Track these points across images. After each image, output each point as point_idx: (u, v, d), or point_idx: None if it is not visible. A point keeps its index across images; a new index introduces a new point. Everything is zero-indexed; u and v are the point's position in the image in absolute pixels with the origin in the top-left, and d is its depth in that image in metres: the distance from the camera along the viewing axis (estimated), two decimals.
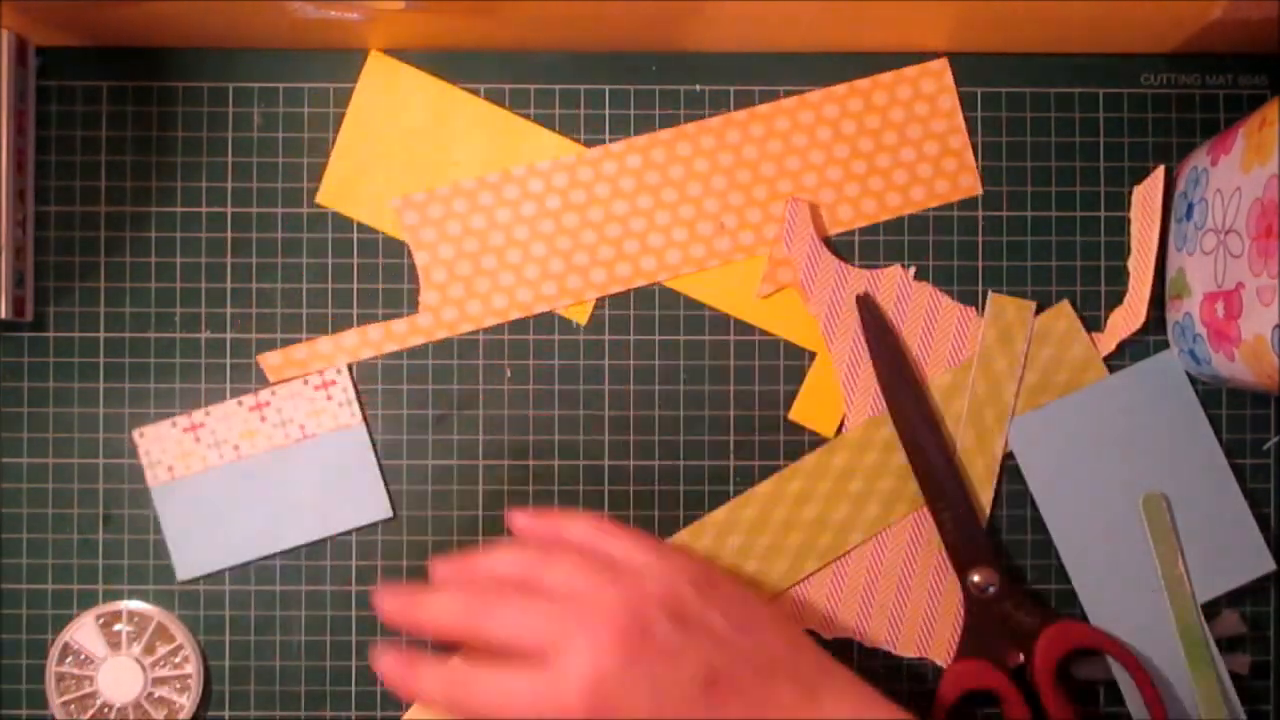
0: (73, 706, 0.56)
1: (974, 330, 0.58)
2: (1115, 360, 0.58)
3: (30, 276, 0.57)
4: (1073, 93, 0.59)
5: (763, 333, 0.58)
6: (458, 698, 0.46)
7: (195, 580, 0.57)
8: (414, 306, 0.58)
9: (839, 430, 0.58)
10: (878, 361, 0.57)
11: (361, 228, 0.58)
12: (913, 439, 0.56)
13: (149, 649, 0.57)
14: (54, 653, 0.56)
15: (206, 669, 0.57)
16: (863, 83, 0.58)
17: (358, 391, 0.57)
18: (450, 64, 0.58)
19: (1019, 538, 0.58)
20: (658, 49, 0.58)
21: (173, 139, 0.58)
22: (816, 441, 0.58)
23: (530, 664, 0.45)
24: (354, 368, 0.57)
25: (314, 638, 0.57)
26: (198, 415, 0.57)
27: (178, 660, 0.57)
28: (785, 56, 0.58)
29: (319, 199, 0.58)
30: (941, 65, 0.58)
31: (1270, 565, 0.57)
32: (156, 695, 0.57)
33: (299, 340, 0.57)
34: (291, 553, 0.57)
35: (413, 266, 0.58)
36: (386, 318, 0.58)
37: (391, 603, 0.48)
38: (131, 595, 0.57)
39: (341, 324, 0.58)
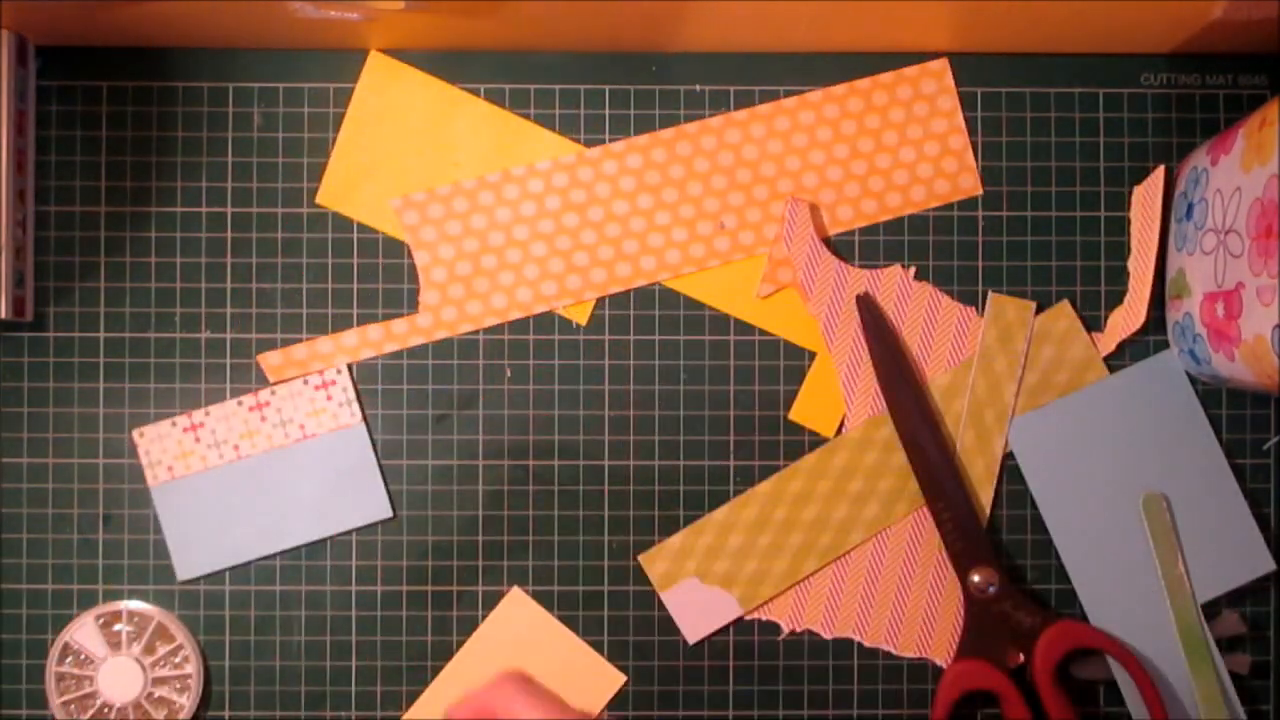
0: (73, 706, 0.56)
1: (974, 330, 0.58)
2: (1115, 360, 0.58)
3: (30, 276, 0.57)
4: (1073, 93, 0.59)
5: (763, 333, 0.58)
6: None
7: (195, 580, 0.57)
8: (414, 306, 0.58)
9: (839, 430, 0.58)
10: (878, 361, 0.57)
11: (361, 228, 0.58)
12: (913, 439, 0.56)
13: (149, 649, 0.57)
14: (54, 653, 0.56)
15: (206, 669, 0.57)
16: (863, 83, 0.58)
17: (358, 391, 0.57)
18: (450, 64, 0.58)
19: (1019, 538, 0.58)
20: (658, 49, 0.58)
21: (173, 139, 0.58)
22: (816, 441, 0.58)
23: None
24: (354, 368, 0.57)
25: (314, 638, 0.57)
26: (198, 415, 0.57)
27: (178, 660, 0.57)
28: (785, 56, 0.58)
29: (319, 199, 0.58)
30: (941, 65, 0.58)
31: (1270, 565, 0.57)
32: (156, 695, 0.57)
33: (299, 340, 0.57)
34: (291, 553, 0.57)
35: (413, 266, 0.58)
36: (386, 318, 0.58)
37: None
38: (131, 595, 0.57)
39: (341, 324, 0.58)
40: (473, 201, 0.58)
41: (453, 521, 0.57)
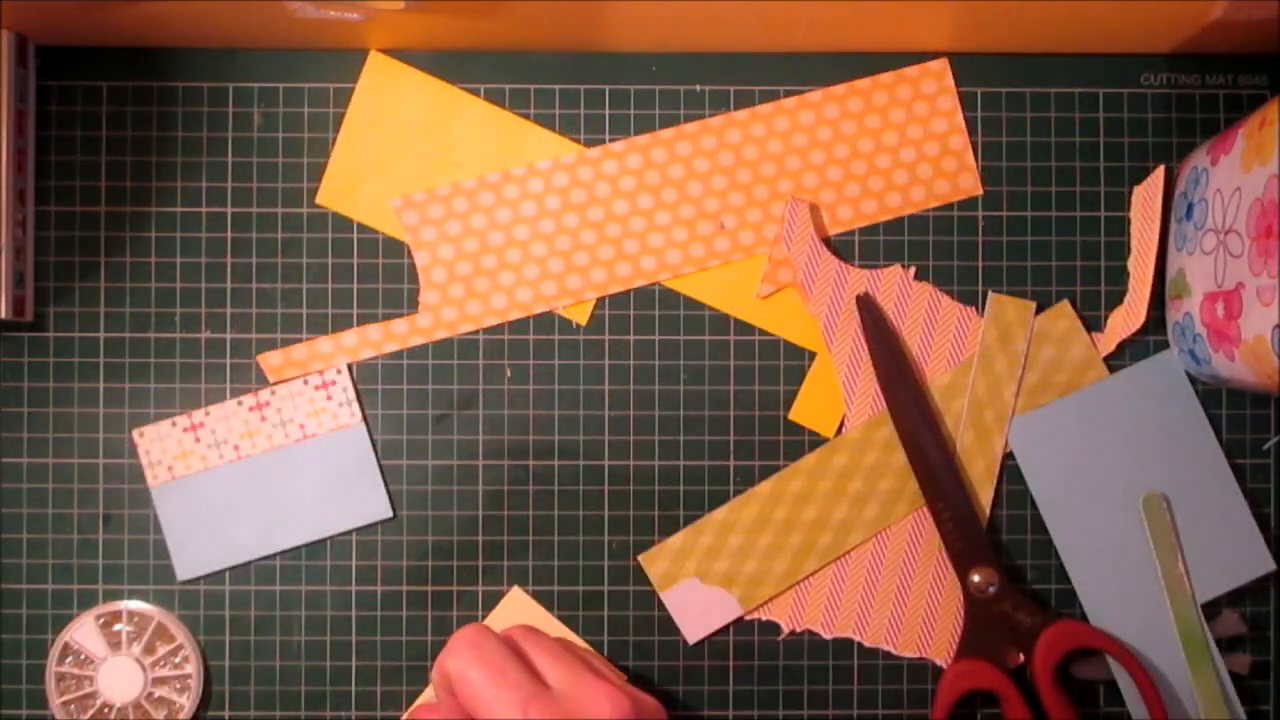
0: (73, 706, 0.56)
1: (974, 330, 0.58)
2: (1115, 360, 0.58)
3: (30, 276, 0.57)
4: (1073, 93, 0.59)
5: (763, 333, 0.58)
6: None
7: (195, 580, 0.57)
8: (414, 306, 0.58)
9: (839, 430, 0.58)
10: (878, 361, 0.57)
11: (361, 228, 0.58)
12: (913, 439, 0.56)
13: (149, 649, 0.57)
14: (54, 653, 0.56)
15: (206, 669, 0.57)
16: (863, 83, 0.58)
17: (358, 391, 0.57)
18: (450, 64, 0.58)
19: (1019, 538, 0.58)
20: (658, 49, 0.58)
21: (173, 139, 0.58)
22: (816, 441, 0.58)
23: None
24: (354, 368, 0.57)
25: (314, 638, 0.57)
26: (198, 415, 0.57)
27: (178, 660, 0.57)
28: (785, 56, 0.58)
29: (319, 199, 0.58)
30: (941, 65, 0.58)
31: (1270, 565, 0.57)
32: (156, 695, 0.57)
33: (299, 340, 0.57)
34: (291, 553, 0.57)
35: (413, 266, 0.58)
36: (386, 318, 0.58)
37: None
38: (131, 595, 0.57)
39: (341, 324, 0.58)
40: (473, 201, 0.58)
41: (453, 521, 0.57)
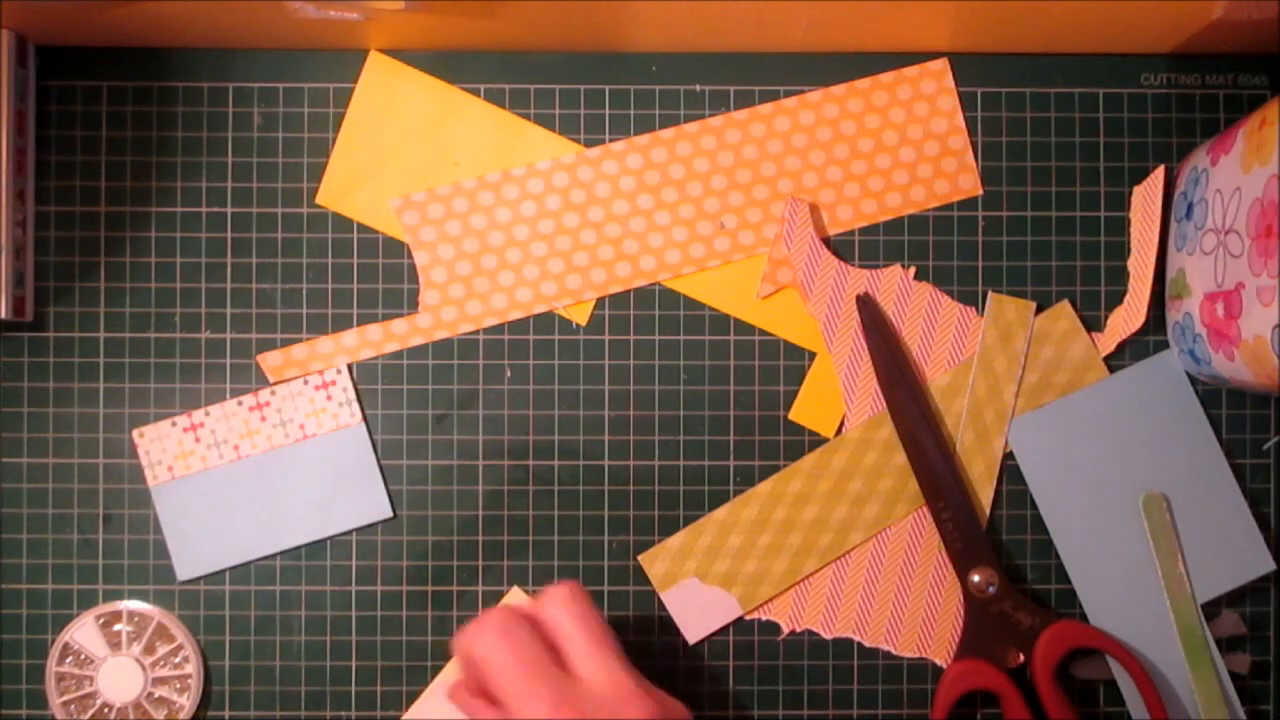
0: (73, 706, 0.56)
1: (974, 330, 0.58)
2: (1115, 360, 0.58)
3: (30, 276, 0.57)
4: (1073, 93, 0.59)
5: (763, 333, 0.58)
6: None
7: (195, 580, 0.57)
8: (414, 306, 0.58)
9: (839, 430, 0.58)
10: (878, 361, 0.57)
11: (361, 228, 0.58)
12: (913, 439, 0.56)
13: (149, 649, 0.57)
14: (54, 653, 0.56)
15: (206, 669, 0.57)
16: (863, 83, 0.58)
17: (358, 391, 0.57)
18: (450, 64, 0.58)
19: (1019, 538, 0.58)
20: (658, 49, 0.58)
21: (173, 139, 0.58)
22: (816, 441, 0.58)
23: None
24: (354, 368, 0.57)
25: (314, 638, 0.57)
26: (198, 415, 0.57)
27: (178, 660, 0.57)
28: (785, 56, 0.58)
29: (319, 199, 0.58)
30: (941, 65, 0.58)
31: (1270, 565, 0.57)
32: (156, 695, 0.57)
33: (299, 340, 0.57)
34: (291, 553, 0.57)
35: (413, 266, 0.58)
36: (386, 318, 0.58)
37: None
38: (131, 595, 0.57)
39: (341, 324, 0.58)
40: (473, 201, 0.58)
41: (453, 521, 0.57)
